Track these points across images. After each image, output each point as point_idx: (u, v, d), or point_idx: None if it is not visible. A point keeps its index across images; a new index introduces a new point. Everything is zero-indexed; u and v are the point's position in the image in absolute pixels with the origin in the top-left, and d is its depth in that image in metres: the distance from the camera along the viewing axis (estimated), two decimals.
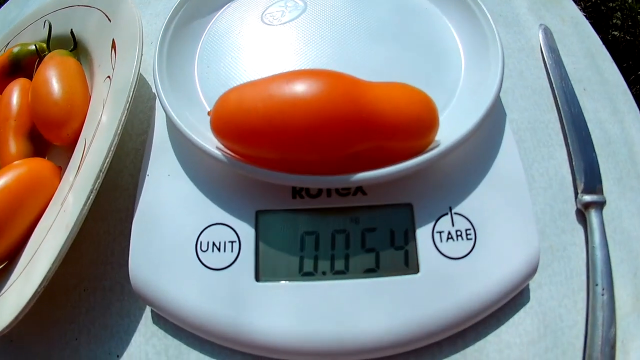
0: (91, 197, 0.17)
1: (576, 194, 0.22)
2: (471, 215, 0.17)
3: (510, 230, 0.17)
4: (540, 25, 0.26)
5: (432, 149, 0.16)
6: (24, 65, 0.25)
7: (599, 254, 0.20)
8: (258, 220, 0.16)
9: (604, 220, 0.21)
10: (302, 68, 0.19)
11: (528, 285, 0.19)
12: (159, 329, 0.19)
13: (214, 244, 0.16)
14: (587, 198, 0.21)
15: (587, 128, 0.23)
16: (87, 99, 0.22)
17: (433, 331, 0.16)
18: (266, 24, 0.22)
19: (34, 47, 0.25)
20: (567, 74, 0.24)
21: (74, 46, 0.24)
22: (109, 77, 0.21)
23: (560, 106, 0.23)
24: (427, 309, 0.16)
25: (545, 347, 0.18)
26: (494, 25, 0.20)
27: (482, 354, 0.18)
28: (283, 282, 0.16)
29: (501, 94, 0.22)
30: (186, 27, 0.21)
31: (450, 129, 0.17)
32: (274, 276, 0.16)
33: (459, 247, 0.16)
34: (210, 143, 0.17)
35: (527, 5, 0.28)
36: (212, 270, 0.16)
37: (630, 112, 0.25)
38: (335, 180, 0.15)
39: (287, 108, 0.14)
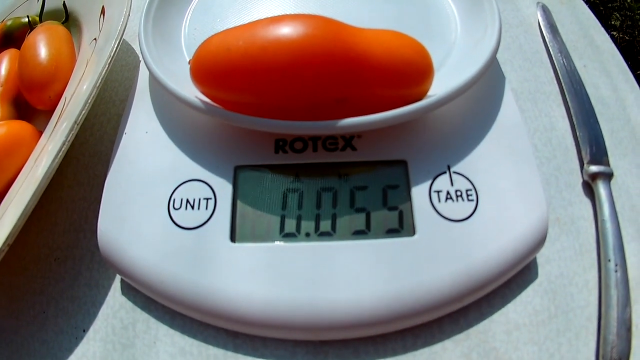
0: (62, 150, 0.16)
1: (581, 165, 0.19)
2: (472, 175, 0.15)
3: (516, 193, 0.15)
4: (538, 3, 0.25)
5: (427, 98, 0.14)
6: (15, 38, 0.24)
7: (609, 227, 0.17)
8: (236, 176, 0.14)
9: (614, 194, 0.18)
10: None
11: (536, 259, 0.17)
12: (128, 301, 0.16)
13: (187, 201, 0.14)
14: (594, 169, 0.19)
15: (590, 101, 0.21)
16: (73, 62, 0.21)
17: (431, 303, 0.13)
18: None
19: (26, 19, 0.24)
20: (567, 49, 0.23)
21: (66, 18, 0.23)
22: (95, 39, 0.20)
23: (561, 78, 0.21)
24: (425, 276, 0.13)
25: (557, 329, 0.16)
26: None
27: (488, 335, 0.15)
28: (261, 243, 0.13)
29: (501, 64, 0.20)
30: None
31: (447, 83, 0.15)
32: (252, 237, 0.14)
33: (459, 208, 0.14)
34: (190, 93, 0.15)
35: None
36: (184, 230, 0.14)
37: (633, 91, 0.23)
38: (321, 126, 0.13)
39: (271, 46, 0.13)
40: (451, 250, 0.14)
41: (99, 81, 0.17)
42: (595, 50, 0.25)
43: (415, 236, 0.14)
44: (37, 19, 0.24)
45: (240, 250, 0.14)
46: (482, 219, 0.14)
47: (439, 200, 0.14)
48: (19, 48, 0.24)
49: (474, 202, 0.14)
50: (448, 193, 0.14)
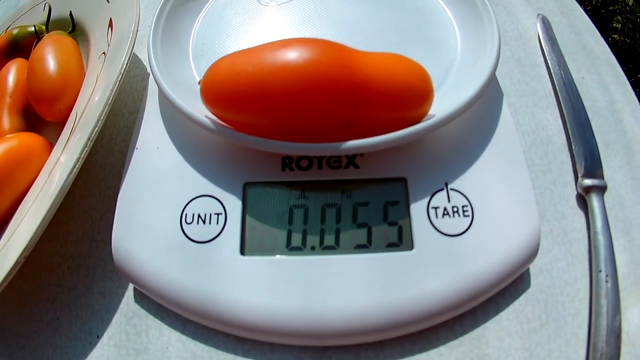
0: (77, 165, 0.17)
1: (576, 178, 0.20)
2: (468, 192, 0.16)
3: (510, 208, 0.16)
4: (538, 15, 0.26)
5: (427, 120, 0.15)
6: (22, 47, 0.24)
7: (601, 239, 0.18)
8: (245, 193, 0.15)
9: (608, 206, 0.19)
10: None
11: (529, 270, 0.18)
12: (141, 309, 0.17)
13: (199, 216, 0.15)
14: (588, 182, 0.20)
15: (587, 114, 0.22)
16: (82, 75, 0.21)
17: (428, 312, 0.14)
18: (262, 4, 0.21)
19: (32, 28, 0.24)
20: (565, 62, 0.23)
21: (72, 28, 0.24)
22: (104, 53, 0.20)
23: (558, 92, 0.22)
24: (422, 288, 0.14)
25: (547, 336, 0.17)
26: (488, 3, 0.19)
27: (481, 342, 0.16)
28: (269, 256, 0.15)
29: (499, 79, 0.21)
30: (184, 5, 0.20)
31: (446, 104, 0.16)
32: (260, 250, 0.15)
33: (456, 223, 0.15)
34: (199, 112, 0.16)
35: None
36: (196, 243, 0.15)
37: (630, 104, 0.24)
38: (326, 148, 0.14)
39: (278, 71, 0.13)
40: (447, 263, 0.15)
41: (111, 97, 0.18)
42: (594, 61, 0.25)
43: (414, 250, 0.15)
44: (44, 28, 0.25)
45: (250, 262, 0.15)
46: (477, 233, 0.15)
47: (437, 216, 0.15)
48: (25, 57, 0.24)
49: (470, 218, 0.15)
50: (445, 209, 0.15)
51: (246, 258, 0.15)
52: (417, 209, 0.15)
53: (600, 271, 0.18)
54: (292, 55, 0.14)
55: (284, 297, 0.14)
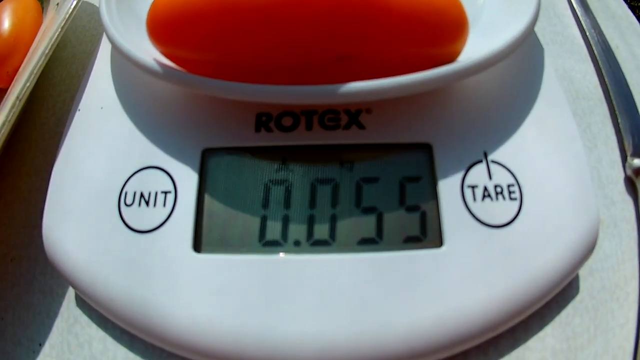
0: (2, 130, 0.10)
1: (624, 158, 0.14)
2: (514, 166, 0.09)
3: (564, 191, 0.10)
4: None
5: (461, 62, 0.09)
6: None
7: None
8: (204, 162, 0.09)
9: None
10: None
11: (578, 272, 0.11)
12: (82, 314, 0.11)
13: (142, 195, 0.09)
14: (638, 162, 0.13)
15: (628, 85, 0.15)
16: (36, 34, 0.15)
17: (461, 334, 0.08)
18: None
19: None
20: (599, 26, 0.17)
21: None
22: (57, 3, 0.14)
23: (597, 57, 0.15)
24: (455, 300, 0.08)
25: (594, 354, 0.11)
26: None
27: None
28: (235, 255, 0.08)
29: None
30: None
31: (483, 43, 0.09)
32: (222, 245, 0.08)
33: (501, 209, 0.09)
34: (148, 55, 0.09)
35: None
36: (136, 233, 0.09)
37: None
38: (317, 92, 0.08)
39: None
40: (489, 266, 0.08)
41: (49, 47, 0.11)
42: (624, 31, 0.19)
43: (444, 248, 0.08)
44: None
45: (207, 262, 0.08)
46: (527, 223, 0.09)
47: (474, 199, 0.09)
48: None
49: (518, 202, 0.09)
50: (485, 189, 0.09)
51: (201, 256, 0.08)
52: (448, 188, 0.09)
53: None
54: None
55: (254, 313, 0.08)
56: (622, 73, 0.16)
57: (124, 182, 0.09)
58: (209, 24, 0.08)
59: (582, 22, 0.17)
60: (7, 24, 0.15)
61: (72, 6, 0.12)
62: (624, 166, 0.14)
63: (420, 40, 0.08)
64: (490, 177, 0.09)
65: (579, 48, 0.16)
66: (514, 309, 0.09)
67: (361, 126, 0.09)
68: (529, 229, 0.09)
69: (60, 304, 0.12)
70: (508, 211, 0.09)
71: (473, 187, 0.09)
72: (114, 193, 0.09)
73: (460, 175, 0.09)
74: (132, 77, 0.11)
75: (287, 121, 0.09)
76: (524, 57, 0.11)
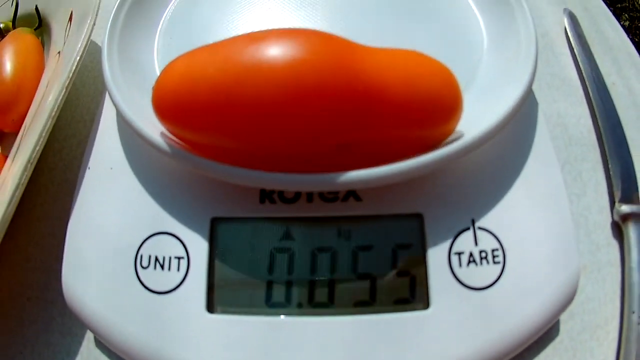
0: (17, 192, 0.12)
1: (612, 203, 0.15)
2: (499, 231, 0.11)
3: (546, 251, 0.11)
4: (565, 9, 0.20)
5: (452, 142, 0.10)
6: None
7: (636, 276, 0.14)
8: (214, 231, 0.10)
9: None
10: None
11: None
12: (102, 354, 0.13)
13: (157, 259, 0.11)
14: (626, 208, 0.15)
15: (622, 126, 0.17)
16: (39, 79, 0.16)
17: None
18: None
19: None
20: (597, 64, 0.18)
21: (39, 24, 0.18)
22: (59, 52, 0.15)
23: (592, 98, 0.17)
24: (439, 357, 0.10)
25: None
26: None
27: None
28: (244, 316, 0.10)
29: None
30: None
31: (474, 118, 0.11)
32: (232, 306, 0.10)
33: (483, 273, 0.10)
34: (156, 129, 0.11)
35: None
36: (153, 294, 0.10)
37: None
38: (318, 181, 0.09)
39: (250, 75, 0.08)
40: (470, 325, 0.10)
41: (60, 98, 0.13)
42: (622, 64, 0.20)
43: (430, 309, 0.10)
44: (11, 25, 0.20)
45: (218, 322, 0.10)
46: (508, 284, 0.10)
47: (460, 265, 0.10)
48: None
49: (500, 265, 0.11)
50: (471, 255, 0.10)
51: (214, 317, 0.10)
52: (436, 254, 0.10)
53: (633, 312, 0.13)
54: (270, 51, 0.09)
55: None
56: (617, 115, 0.17)
57: (139, 245, 0.11)
58: (213, 113, 0.09)
59: (579, 61, 0.18)
60: (9, 69, 0.16)
61: (76, 63, 0.13)
62: (612, 211, 0.15)
63: (416, 125, 0.10)
64: (476, 244, 0.11)
65: (575, 90, 0.18)
66: (494, 359, 0.10)
67: (358, 198, 0.11)
68: (510, 288, 0.10)
69: (79, 343, 0.14)
70: (491, 274, 0.10)
71: (459, 254, 0.10)
72: (130, 254, 0.11)
73: (448, 242, 0.10)
74: (140, 142, 0.12)
75: (289, 194, 0.11)
76: (515, 120, 0.12)
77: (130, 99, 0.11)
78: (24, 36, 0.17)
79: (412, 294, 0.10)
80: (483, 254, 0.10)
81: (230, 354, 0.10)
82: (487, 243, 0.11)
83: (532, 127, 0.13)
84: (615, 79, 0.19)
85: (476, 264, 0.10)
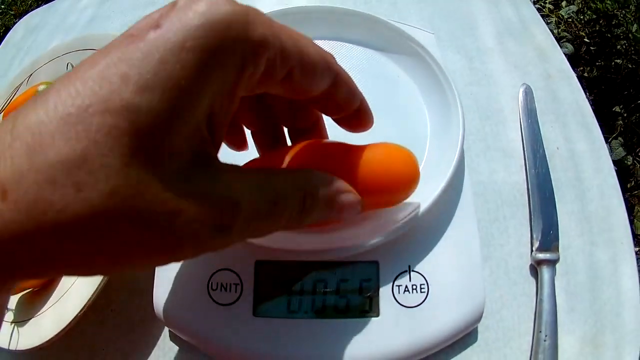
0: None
1: (532, 250, 0.28)
2: (427, 273, 0.23)
3: (459, 285, 0.23)
4: (522, 84, 0.31)
5: (407, 215, 0.22)
6: None
7: (546, 306, 0.26)
8: (257, 268, 0.23)
9: (561, 272, 0.27)
10: None
11: (477, 327, 0.26)
12: (175, 345, 0.26)
13: (221, 285, 0.24)
14: (540, 256, 0.27)
15: (552, 188, 0.28)
16: None
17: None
18: None
19: None
20: (540, 135, 0.30)
21: None
22: None
23: (527, 168, 0.29)
24: (384, 347, 0.22)
25: None
26: (455, 91, 0.24)
27: None
28: (274, 318, 0.23)
29: (473, 157, 0.28)
30: None
31: (424, 188, 0.23)
32: (268, 312, 0.23)
33: (414, 298, 0.23)
34: None
35: (514, 61, 0.33)
36: (220, 305, 0.23)
37: (600, 174, 0.30)
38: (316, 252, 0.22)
39: None
40: (405, 328, 0.22)
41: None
42: (575, 127, 0.31)
43: (379, 317, 0.22)
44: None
45: (260, 322, 0.22)
46: (431, 305, 0.23)
47: (399, 292, 0.23)
48: None
49: (425, 293, 0.23)
50: (406, 287, 0.23)
51: (257, 319, 0.23)
52: (385, 286, 0.22)
53: (540, 332, 0.25)
54: None
55: (285, 348, 0.23)
56: (549, 179, 0.29)
57: (210, 276, 0.24)
58: None
59: (523, 136, 0.30)
60: None
61: None
62: (531, 257, 0.28)
63: (380, 195, 0.22)
64: (410, 280, 0.23)
65: (517, 160, 0.29)
66: (422, 349, 0.23)
67: None
68: (432, 307, 0.23)
69: (157, 339, 0.27)
70: (419, 298, 0.23)
71: (399, 286, 0.23)
72: (204, 283, 0.24)
73: (392, 278, 0.23)
74: None
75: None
76: (446, 192, 0.25)
77: None
78: None
79: (370, 307, 0.23)
80: (414, 287, 0.23)
81: (265, 340, 0.23)
82: (417, 280, 0.23)
83: (457, 195, 0.25)
84: (561, 144, 0.30)
85: (409, 292, 0.23)
